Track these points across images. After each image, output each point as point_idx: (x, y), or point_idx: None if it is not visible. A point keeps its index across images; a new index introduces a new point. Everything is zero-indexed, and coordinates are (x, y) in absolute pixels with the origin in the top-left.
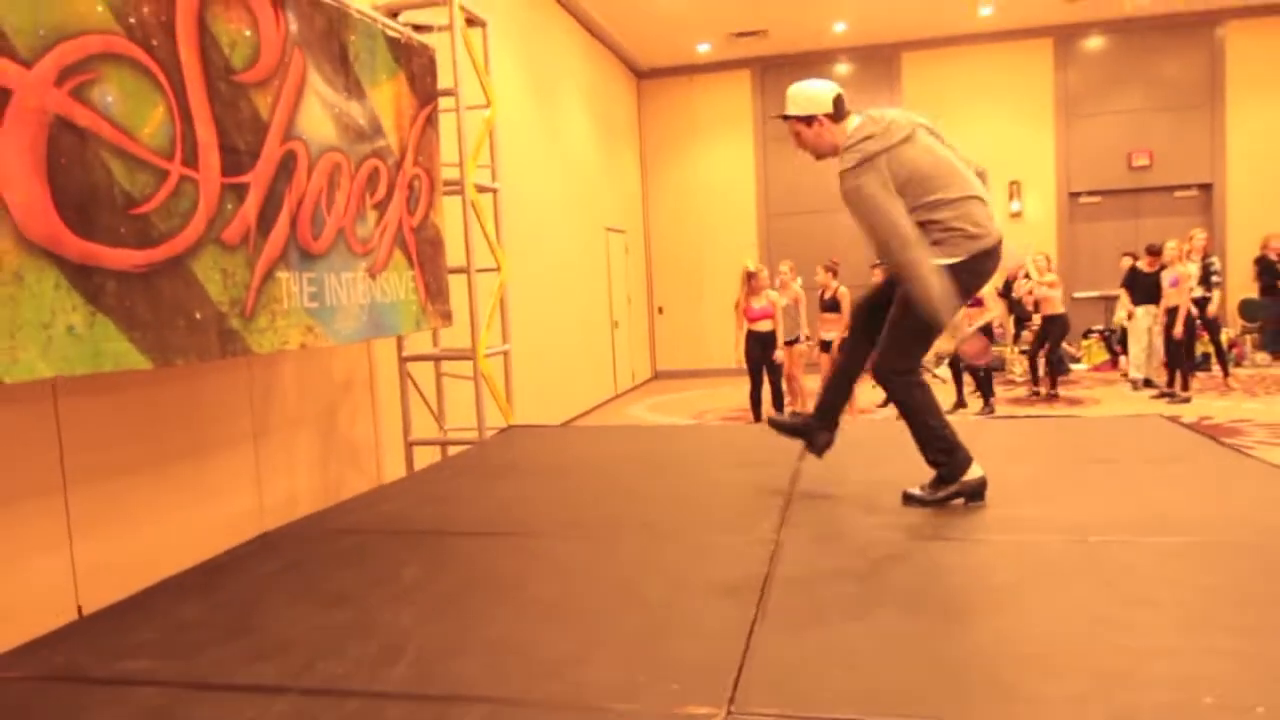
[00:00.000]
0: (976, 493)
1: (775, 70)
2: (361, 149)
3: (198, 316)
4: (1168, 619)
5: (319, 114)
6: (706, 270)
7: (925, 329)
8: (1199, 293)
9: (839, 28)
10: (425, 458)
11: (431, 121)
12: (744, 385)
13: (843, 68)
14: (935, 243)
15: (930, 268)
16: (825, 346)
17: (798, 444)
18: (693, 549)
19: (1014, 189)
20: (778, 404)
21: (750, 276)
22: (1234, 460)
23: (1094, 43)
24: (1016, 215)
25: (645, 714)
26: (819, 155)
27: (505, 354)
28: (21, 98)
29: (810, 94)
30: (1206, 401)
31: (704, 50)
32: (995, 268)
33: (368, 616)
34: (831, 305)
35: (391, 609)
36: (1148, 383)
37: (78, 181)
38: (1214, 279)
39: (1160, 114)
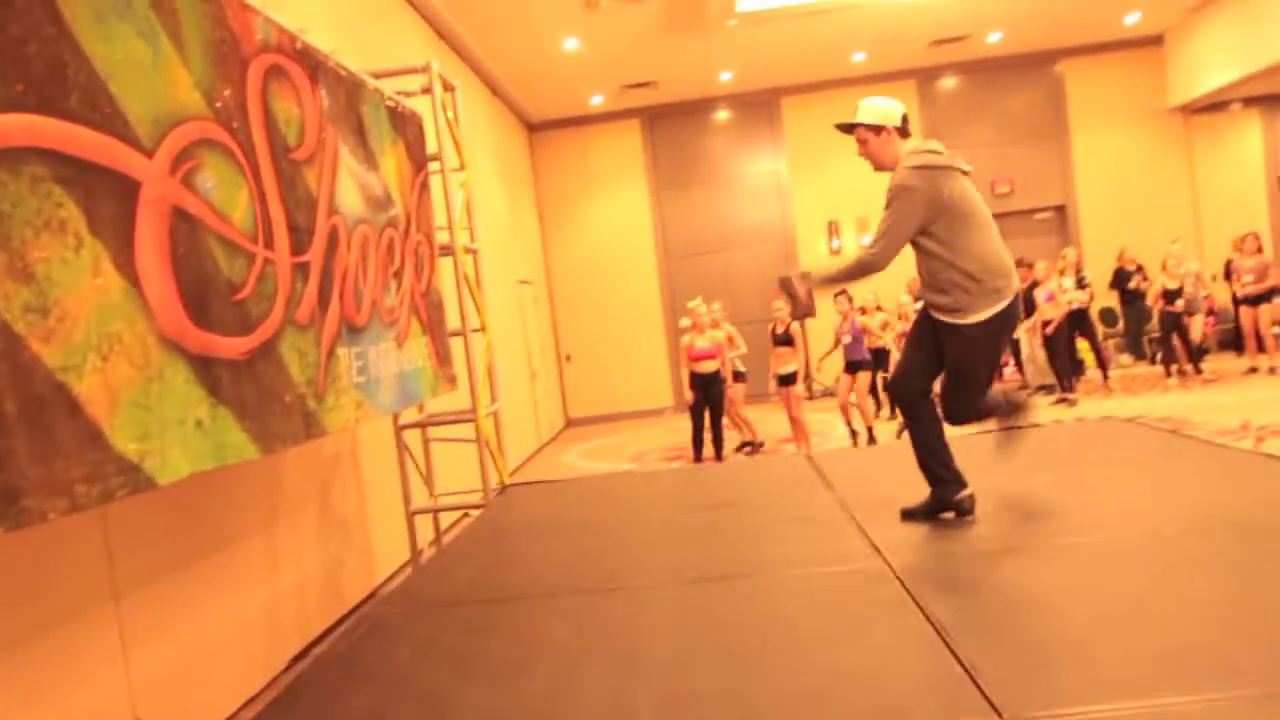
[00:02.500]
0: (969, 509)
1: (663, 119)
2: (381, 219)
3: (287, 400)
4: None
5: (350, 187)
6: (610, 315)
7: (985, 367)
8: (1081, 299)
9: (724, 77)
10: (418, 528)
11: (426, 187)
12: (660, 425)
13: (724, 114)
14: (970, 300)
15: (852, 274)
16: (784, 381)
17: (817, 471)
18: (808, 581)
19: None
20: (717, 444)
21: (693, 315)
22: (1219, 453)
23: (949, 82)
24: None
25: None
26: (879, 165)
27: (495, 414)
28: (149, 189)
29: (884, 108)
30: (1095, 403)
31: (596, 102)
32: (1016, 321)
33: (557, 683)
34: (784, 339)
35: (574, 674)
36: (1040, 389)
37: (194, 272)
38: (1088, 289)
39: (1015, 145)
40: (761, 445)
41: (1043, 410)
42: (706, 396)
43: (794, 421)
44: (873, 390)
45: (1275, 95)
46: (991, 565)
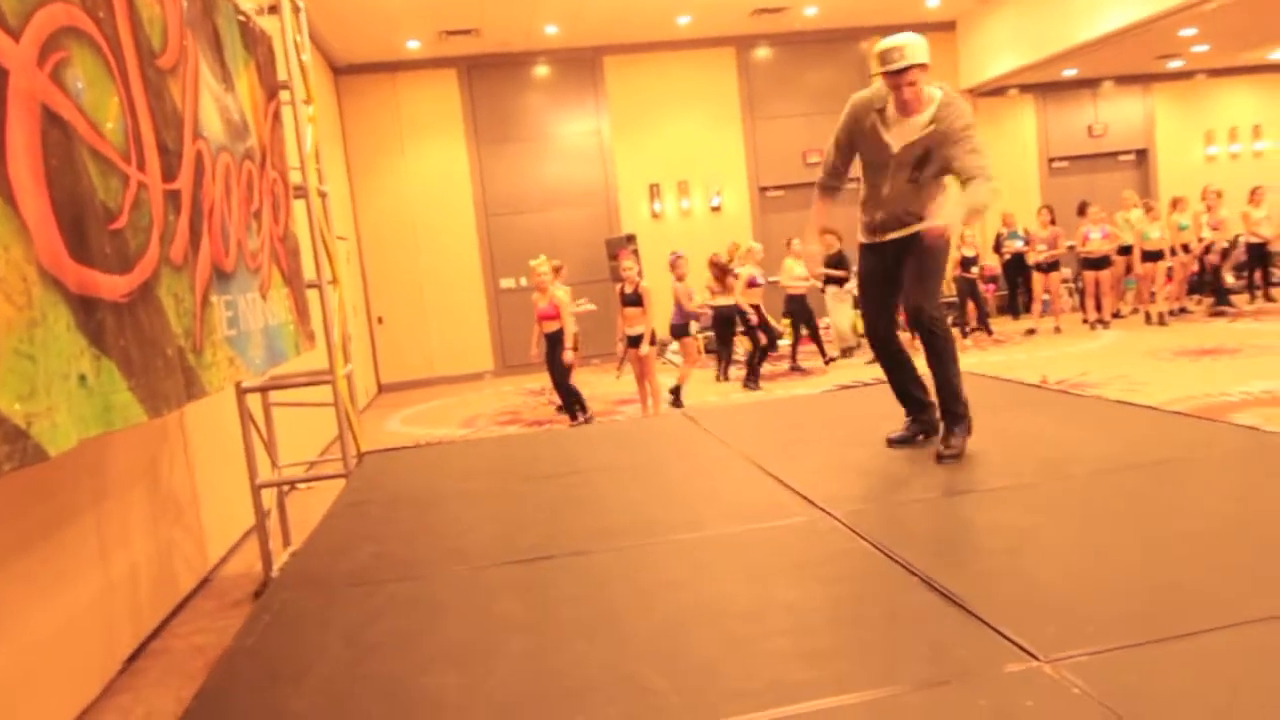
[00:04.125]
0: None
1: (483, 70)
2: (240, 149)
3: (169, 353)
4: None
5: (211, 109)
6: (426, 275)
7: (942, 270)
8: None
9: (550, 30)
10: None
11: (278, 118)
12: (483, 389)
13: (545, 69)
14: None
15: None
16: (633, 342)
17: (714, 429)
18: (757, 536)
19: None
20: (566, 407)
21: (534, 274)
22: (1077, 401)
23: (765, 53)
24: (716, 209)
25: (973, 674)
26: (917, 106)
27: (350, 376)
28: (16, 80)
29: (924, 43)
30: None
31: (413, 47)
32: None
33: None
34: (633, 300)
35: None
36: (845, 352)
37: (68, 191)
38: None
39: (826, 116)
40: (590, 418)
41: (860, 371)
42: (554, 356)
43: (642, 384)
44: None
45: (1048, 83)
46: (939, 511)
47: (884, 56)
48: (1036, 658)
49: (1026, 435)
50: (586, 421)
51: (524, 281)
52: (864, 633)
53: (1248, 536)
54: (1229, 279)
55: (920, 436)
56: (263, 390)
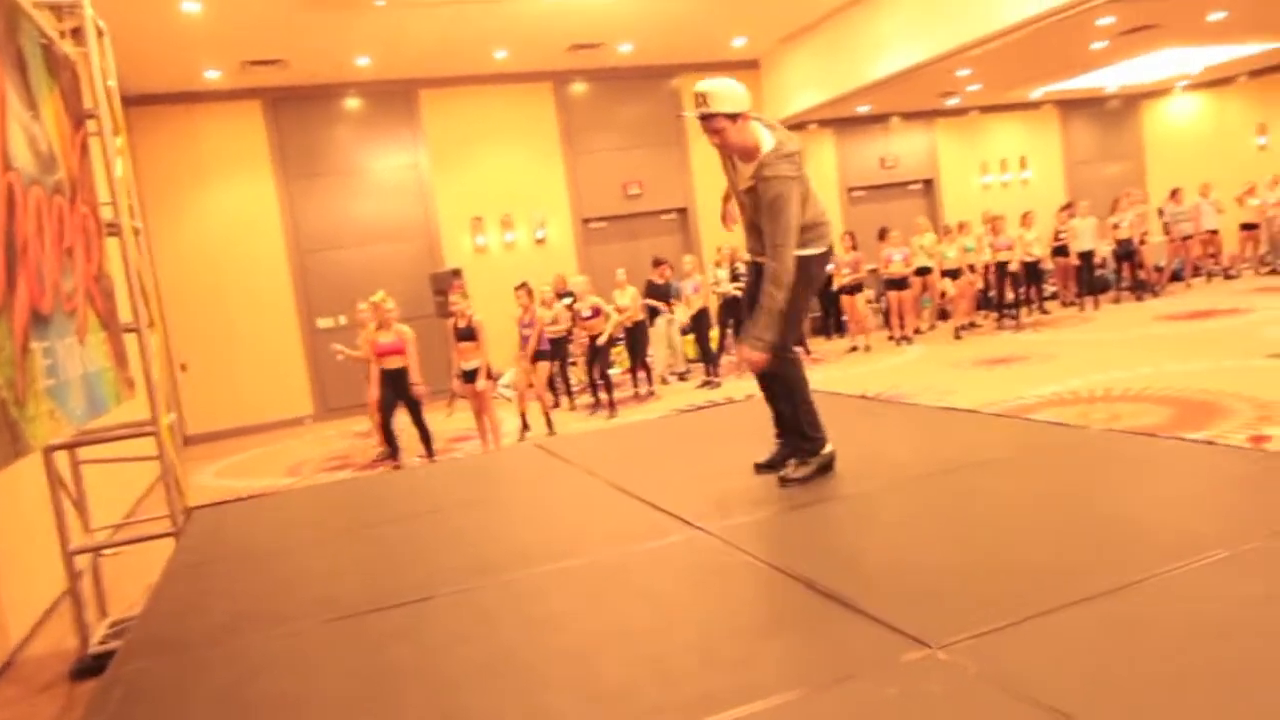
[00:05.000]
0: (831, 465)
1: (290, 102)
2: (49, 182)
3: None
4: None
5: (19, 138)
6: (235, 317)
7: (803, 308)
8: (735, 290)
9: (362, 61)
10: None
11: (86, 150)
12: (304, 435)
13: (357, 102)
14: (810, 240)
15: (782, 291)
16: (468, 377)
17: (571, 458)
18: (640, 558)
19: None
20: (427, 442)
21: (377, 310)
22: (910, 410)
23: (581, 88)
24: (541, 242)
25: (875, 666)
26: (737, 152)
27: (174, 425)
28: None
29: (736, 92)
30: (735, 383)
31: (212, 77)
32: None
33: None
34: (466, 334)
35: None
36: (681, 376)
37: None
38: (741, 279)
39: (642, 149)
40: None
41: (690, 394)
42: (398, 394)
43: (480, 419)
44: (551, 381)
45: (844, 119)
46: (807, 519)
47: (694, 99)
48: (929, 645)
49: (871, 443)
50: (396, 466)
51: (343, 320)
52: (765, 640)
53: (1082, 517)
54: (1009, 295)
55: (791, 461)
56: (70, 447)
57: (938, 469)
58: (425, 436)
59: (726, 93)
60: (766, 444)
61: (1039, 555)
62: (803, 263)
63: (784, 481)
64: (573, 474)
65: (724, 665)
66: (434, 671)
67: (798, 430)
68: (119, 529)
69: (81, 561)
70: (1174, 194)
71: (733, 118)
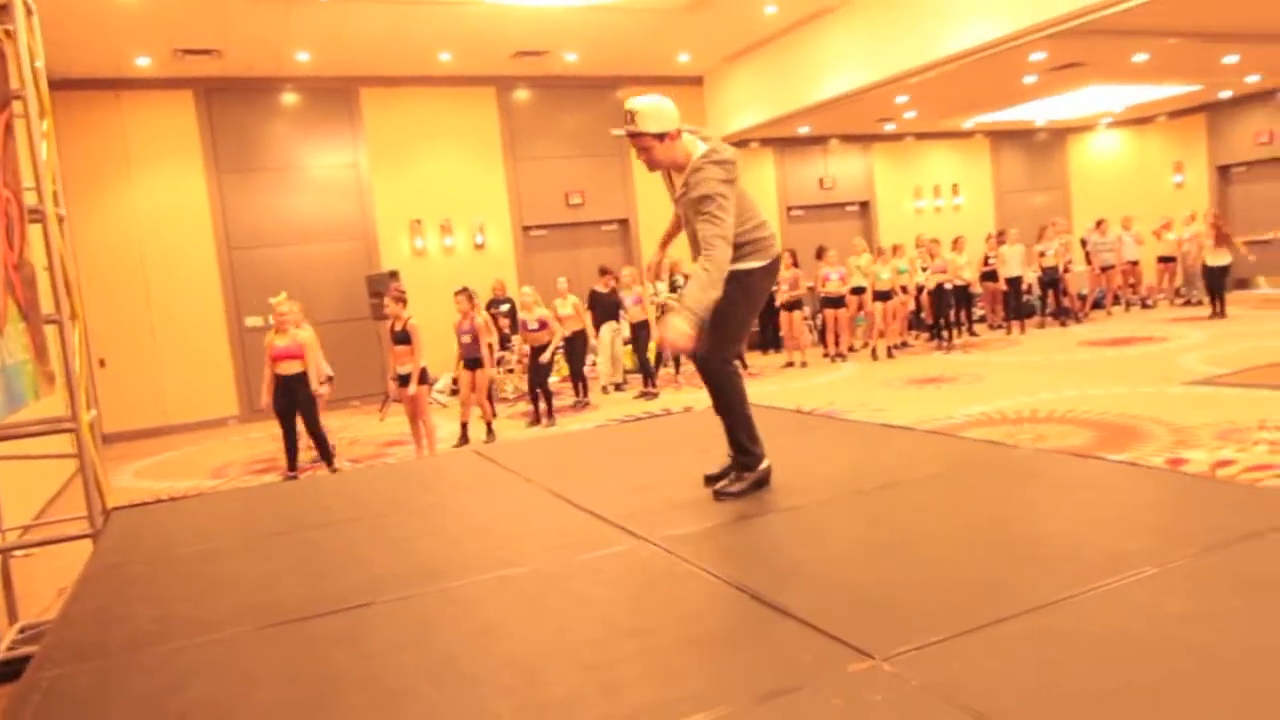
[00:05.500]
0: (766, 480)
1: (224, 94)
2: None
3: None
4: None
5: None
6: (158, 312)
7: (745, 322)
8: (674, 302)
9: (301, 56)
10: None
11: (10, 132)
12: (228, 436)
13: (295, 98)
14: (749, 253)
15: (716, 284)
16: (403, 381)
17: (509, 465)
18: (597, 569)
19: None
20: (321, 450)
21: (275, 313)
22: (844, 425)
23: (524, 94)
24: (480, 247)
25: (819, 677)
26: (664, 168)
27: (95, 422)
28: None
29: (664, 111)
30: (671, 395)
31: (142, 64)
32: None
33: None
34: (402, 338)
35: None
36: (618, 386)
37: None
38: (679, 290)
39: (584, 159)
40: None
41: (628, 404)
42: (292, 401)
43: (415, 423)
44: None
45: (785, 138)
46: (750, 532)
47: (624, 116)
48: (872, 656)
49: (809, 457)
50: (291, 477)
51: (272, 319)
52: (709, 650)
53: (1019, 532)
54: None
55: (730, 475)
56: (15, 435)
57: (875, 484)
58: (321, 445)
59: (654, 112)
60: (706, 456)
61: (976, 569)
62: (744, 276)
63: (719, 495)
64: (512, 481)
65: (669, 676)
66: (375, 679)
67: (736, 444)
68: (29, 530)
69: None
70: (1099, 225)
71: (660, 137)
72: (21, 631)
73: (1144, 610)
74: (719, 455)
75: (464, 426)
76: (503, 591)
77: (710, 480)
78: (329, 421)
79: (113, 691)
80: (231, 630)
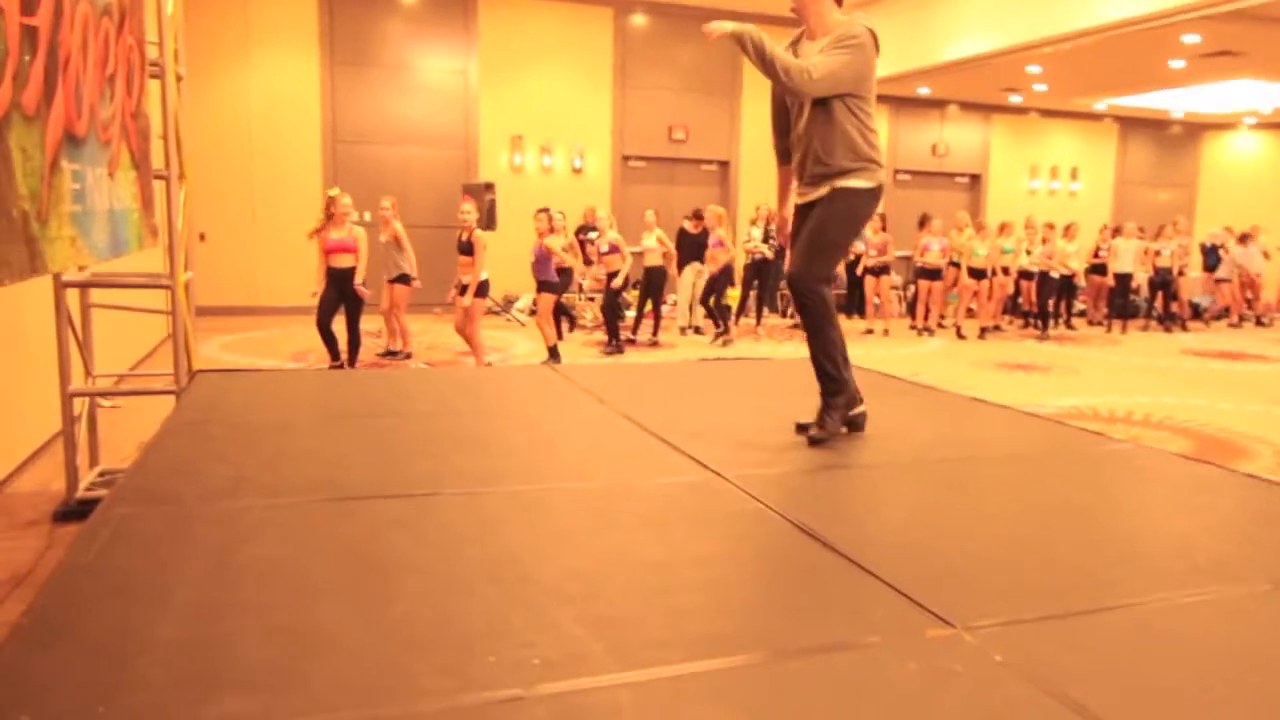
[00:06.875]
0: (860, 423)
1: None
2: (99, 1)
3: (14, 214)
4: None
5: None
6: (260, 195)
7: (839, 244)
8: (766, 251)
9: None
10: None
11: None
12: (306, 326)
13: (411, 0)
14: (858, 170)
15: (774, 67)
16: (461, 290)
17: (585, 385)
18: (665, 494)
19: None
20: (354, 350)
21: (330, 203)
22: (932, 393)
23: (641, 20)
24: (578, 171)
25: (896, 636)
26: (806, 18)
27: (189, 283)
28: None
29: None
30: (749, 345)
31: None
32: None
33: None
34: (466, 248)
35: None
36: (697, 329)
37: None
38: (771, 240)
39: (693, 95)
40: (409, 356)
41: (703, 349)
42: (341, 294)
43: (464, 335)
44: (557, 312)
45: (902, 98)
46: (827, 482)
47: None
48: (953, 625)
49: (894, 421)
50: (337, 366)
51: (369, 216)
52: (776, 591)
53: (1116, 525)
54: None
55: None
56: (83, 286)
57: (961, 455)
58: (354, 343)
59: None
60: (787, 401)
61: (1067, 555)
62: (850, 196)
63: (812, 441)
64: (586, 401)
65: (731, 611)
66: (433, 567)
67: (820, 370)
68: (121, 380)
69: (78, 406)
70: (1243, 238)
71: None
72: (101, 475)
73: (1263, 624)
74: (804, 405)
75: (550, 350)
76: (570, 502)
77: (802, 429)
78: (411, 324)
79: (180, 538)
80: (300, 498)
